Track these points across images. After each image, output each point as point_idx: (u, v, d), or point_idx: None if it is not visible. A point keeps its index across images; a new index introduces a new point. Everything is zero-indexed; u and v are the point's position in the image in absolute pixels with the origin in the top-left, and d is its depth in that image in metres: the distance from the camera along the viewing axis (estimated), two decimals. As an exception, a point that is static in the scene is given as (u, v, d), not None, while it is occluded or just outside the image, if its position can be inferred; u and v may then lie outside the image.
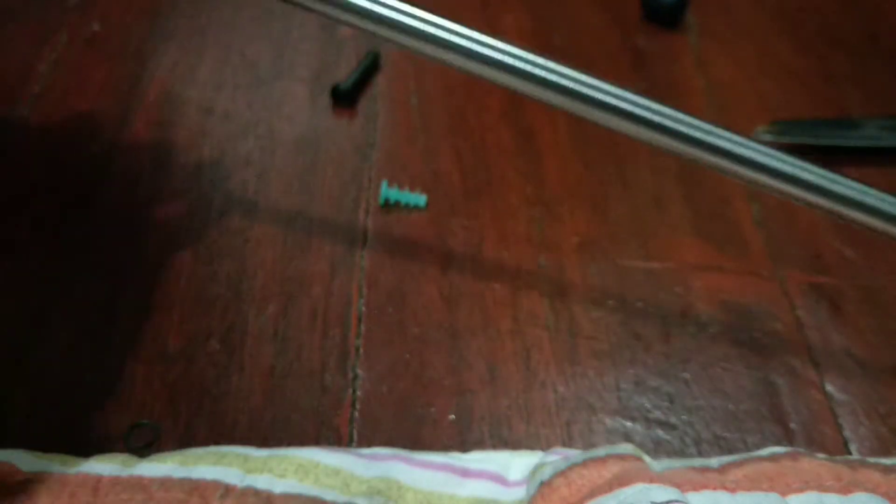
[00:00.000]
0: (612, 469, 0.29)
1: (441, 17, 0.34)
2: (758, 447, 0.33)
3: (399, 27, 0.34)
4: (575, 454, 0.31)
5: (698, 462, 0.31)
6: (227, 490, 0.29)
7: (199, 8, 0.59)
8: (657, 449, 0.36)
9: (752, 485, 0.29)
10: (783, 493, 0.28)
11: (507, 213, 0.45)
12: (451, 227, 0.45)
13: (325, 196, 0.46)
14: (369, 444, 0.35)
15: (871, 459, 0.31)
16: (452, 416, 0.36)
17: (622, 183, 0.48)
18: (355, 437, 0.35)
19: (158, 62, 0.54)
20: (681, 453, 0.35)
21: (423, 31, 0.34)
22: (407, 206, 0.45)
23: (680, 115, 0.33)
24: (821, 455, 0.31)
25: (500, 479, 0.32)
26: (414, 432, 0.36)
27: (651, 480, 0.28)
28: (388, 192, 0.45)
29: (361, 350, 0.39)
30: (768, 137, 0.49)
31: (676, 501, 0.27)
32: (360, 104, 0.52)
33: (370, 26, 0.34)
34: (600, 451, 0.31)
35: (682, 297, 0.42)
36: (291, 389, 0.37)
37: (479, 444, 0.35)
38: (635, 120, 0.33)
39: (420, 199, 0.45)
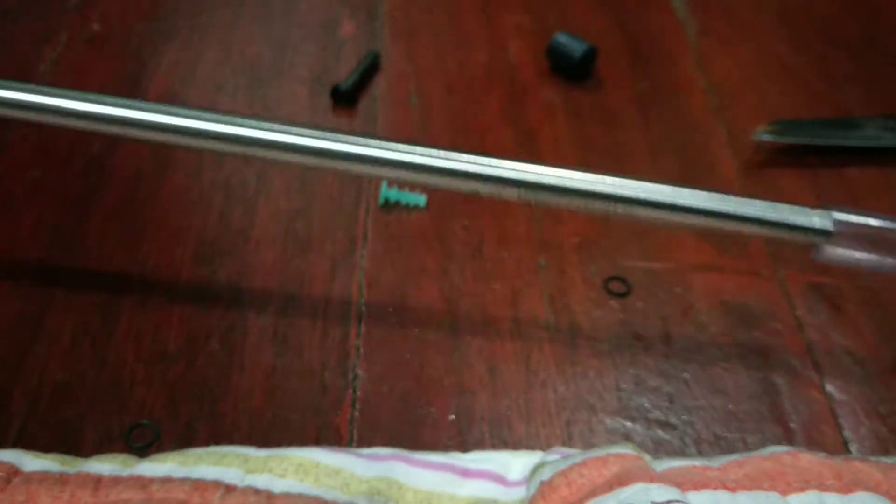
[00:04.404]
0: (613, 468, 0.29)
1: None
2: (758, 447, 0.33)
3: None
4: (575, 454, 0.31)
5: (699, 461, 0.31)
6: (228, 490, 0.29)
7: (199, 8, 0.59)
8: (657, 449, 0.36)
9: (753, 484, 0.29)
10: (784, 493, 0.28)
11: (507, 213, 0.45)
12: (451, 227, 0.45)
13: (325, 196, 0.46)
14: (369, 444, 0.35)
15: (873, 458, 0.31)
16: (452, 416, 0.36)
17: (622, 183, 0.47)
18: (355, 437, 0.35)
19: (158, 62, 0.54)
20: (681, 453, 0.35)
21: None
22: (407, 206, 0.45)
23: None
24: (821, 454, 0.31)
25: (500, 479, 0.32)
26: (414, 432, 0.36)
27: (651, 480, 0.28)
28: (388, 192, 0.45)
29: (361, 350, 0.39)
30: (768, 137, 0.49)
31: (677, 501, 0.27)
32: (360, 104, 0.52)
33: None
34: (600, 451, 0.31)
35: (682, 297, 0.42)
36: (291, 389, 0.37)
37: (479, 444, 0.35)
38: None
39: (420, 199, 0.45)
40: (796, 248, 0.44)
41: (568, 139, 0.50)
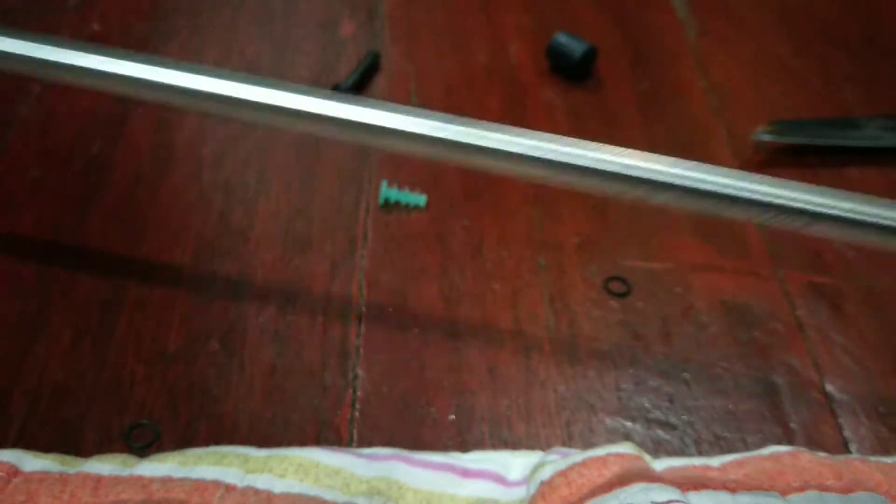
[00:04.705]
0: (613, 468, 0.29)
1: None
2: (758, 447, 0.33)
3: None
4: (575, 454, 0.31)
5: (699, 461, 0.31)
6: (228, 490, 0.29)
7: (199, 8, 0.59)
8: (657, 449, 0.36)
9: (753, 484, 0.29)
10: (784, 493, 0.28)
11: (507, 213, 0.45)
12: (451, 227, 0.45)
13: (325, 196, 0.46)
14: (369, 444, 0.35)
15: (873, 458, 0.31)
16: (452, 416, 0.36)
17: (622, 183, 0.47)
18: (355, 437, 0.35)
19: (158, 62, 0.54)
20: (681, 453, 0.35)
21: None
22: (407, 206, 0.45)
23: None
24: (822, 454, 0.31)
25: (500, 479, 0.32)
26: (414, 432, 0.36)
27: (651, 480, 0.28)
28: (388, 192, 0.45)
29: (361, 350, 0.39)
30: (768, 137, 0.49)
31: (677, 501, 0.27)
32: (360, 104, 0.52)
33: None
34: (600, 451, 0.31)
35: (682, 297, 0.42)
36: (291, 389, 0.37)
37: (479, 444, 0.35)
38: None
39: (420, 199, 0.45)
40: (793, 246, 0.44)
41: (568, 139, 0.50)
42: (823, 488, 0.29)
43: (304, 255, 0.43)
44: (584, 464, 0.30)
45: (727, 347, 0.39)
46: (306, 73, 0.54)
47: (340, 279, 0.42)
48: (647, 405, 0.37)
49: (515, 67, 0.55)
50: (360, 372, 0.38)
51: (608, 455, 0.30)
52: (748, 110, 0.52)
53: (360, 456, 0.32)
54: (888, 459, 0.31)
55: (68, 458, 0.31)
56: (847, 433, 0.36)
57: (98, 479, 0.30)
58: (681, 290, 0.42)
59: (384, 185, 0.46)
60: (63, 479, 0.30)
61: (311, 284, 0.41)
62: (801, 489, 0.29)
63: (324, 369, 0.38)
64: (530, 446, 0.35)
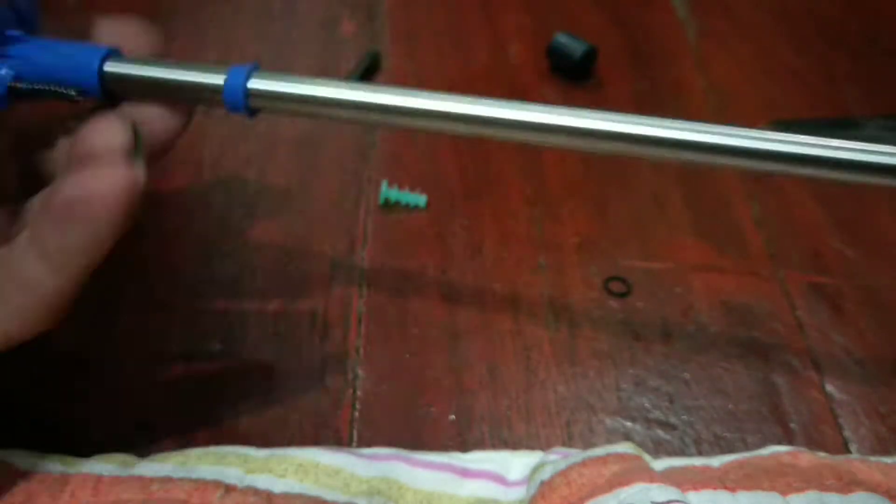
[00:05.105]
0: (613, 468, 0.29)
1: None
2: (758, 447, 0.33)
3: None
4: (575, 453, 0.31)
5: (699, 461, 0.31)
6: (228, 490, 0.29)
7: (199, 8, 0.59)
8: (657, 449, 0.36)
9: (753, 484, 0.29)
10: (784, 493, 0.28)
11: (507, 213, 0.45)
12: (451, 227, 0.45)
13: (325, 196, 0.46)
14: (369, 444, 0.35)
15: (873, 458, 0.31)
16: (452, 416, 0.36)
17: (622, 183, 0.48)
18: (355, 437, 0.35)
19: (158, 62, 0.54)
20: (681, 453, 0.35)
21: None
22: (407, 206, 0.45)
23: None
24: (822, 454, 0.31)
25: (500, 479, 0.32)
26: (414, 432, 0.36)
27: (651, 480, 0.28)
28: (388, 192, 0.45)
29: (361, 350, 0.39)
30: (768, 137, 0.49)
31: (676, 501, 0.27)
32: (360, 104, 0.52)
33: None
34: (600, 451, 0.31)
35: (682, 297, 0.42)
36: (291, 389, 0.37)
37: (479, 444, 0.35)
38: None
39: (420, 199, 0.45)
40: (793, 246, 0.44)
41: (568, 139, 0.50)
42: (823, 488, 0.29)
43: (304, 255, 0.43)
44: (583, 464, 0.30)
45: (727, 347, 0.39)
46: (306, 73, 0.54)
47: (340, 279, 0.42)
48: (647, 405, 0.37)
49: (515, 67, 0.55)
50: (360, 372, 0.38)
51: (608, 455, 0.30)
52: (748, 110, 0.52)
53: (360, 456, 0.32)
54: (888, 459, 0.31)
55: (68, 458, 0.31)
56: (847, 433, 0.36)
57: (98, 479, 0.30)
58: (681, 290, 0.42)
59: (384, 185, 0.46)
60: (63, 479, 0.30)
61: (311, 284, 0.41)
62: (801, 489, 0.29)
63: (324, 369, 0.38)
64: (530, 446, 0.35)
